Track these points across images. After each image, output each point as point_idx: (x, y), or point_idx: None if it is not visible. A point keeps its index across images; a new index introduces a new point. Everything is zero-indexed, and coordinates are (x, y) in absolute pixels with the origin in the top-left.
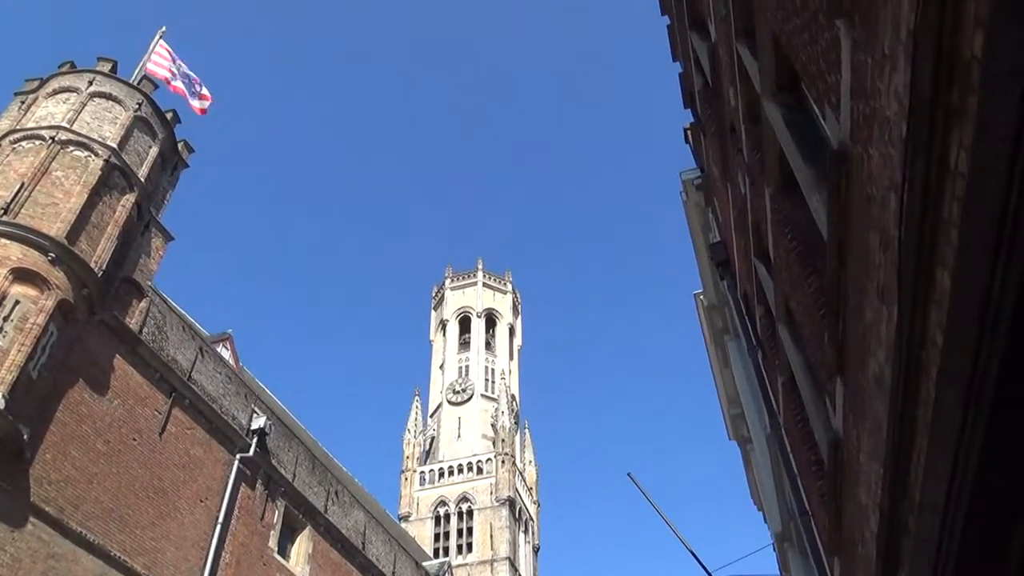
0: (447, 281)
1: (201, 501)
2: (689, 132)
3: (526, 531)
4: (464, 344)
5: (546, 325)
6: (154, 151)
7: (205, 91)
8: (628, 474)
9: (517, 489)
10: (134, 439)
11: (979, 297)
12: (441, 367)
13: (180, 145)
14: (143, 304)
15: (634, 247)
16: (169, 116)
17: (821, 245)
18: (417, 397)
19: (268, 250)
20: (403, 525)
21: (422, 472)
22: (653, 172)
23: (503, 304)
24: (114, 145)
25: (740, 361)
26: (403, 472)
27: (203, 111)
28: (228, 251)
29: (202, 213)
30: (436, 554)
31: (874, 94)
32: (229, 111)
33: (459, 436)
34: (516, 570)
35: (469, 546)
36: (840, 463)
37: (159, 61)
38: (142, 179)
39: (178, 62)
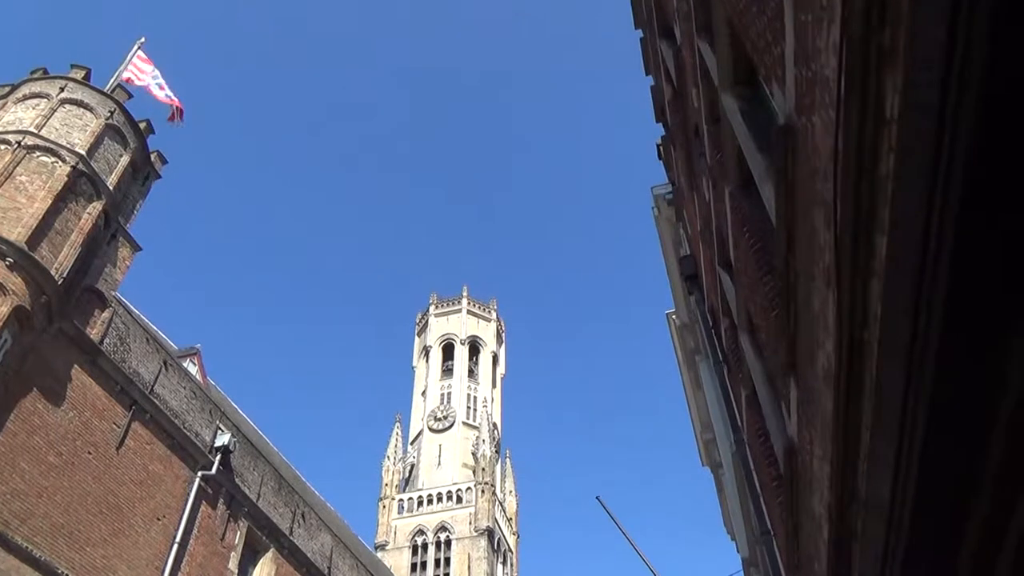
0: (431, 307)
1: (158, 519)
2: (660, 148)
3: (505, 563)
4: (447, 371)
5: (529, 354)
6: (125, 160)
7: (177, 101)
8: (597, 497)
9: (496, 519)
10: (89, 452)
11: (916, 256)
12: (423, 394)
13: (153, 156)
14: (106, 314)
15: (618, 272)
16: (143, 126)
17: (775, 242)
18: (398, 423)
19: (247, 269)
20: (379, 554)
21: (401, 500)
22: (636, 195)
23: (487, 332)
24: (82, 152)
25: (710, 380)
26: (381, 499)
27: (176, 118)
28: (205, 267)
29: (178, 226)
30: None
31: (815, 55)
32: (209, 125)
33: (439, 464)
34: None
35: None
36: (795, 472)
37: (136, 71)
38: (110, 187)
39: (156, 75)
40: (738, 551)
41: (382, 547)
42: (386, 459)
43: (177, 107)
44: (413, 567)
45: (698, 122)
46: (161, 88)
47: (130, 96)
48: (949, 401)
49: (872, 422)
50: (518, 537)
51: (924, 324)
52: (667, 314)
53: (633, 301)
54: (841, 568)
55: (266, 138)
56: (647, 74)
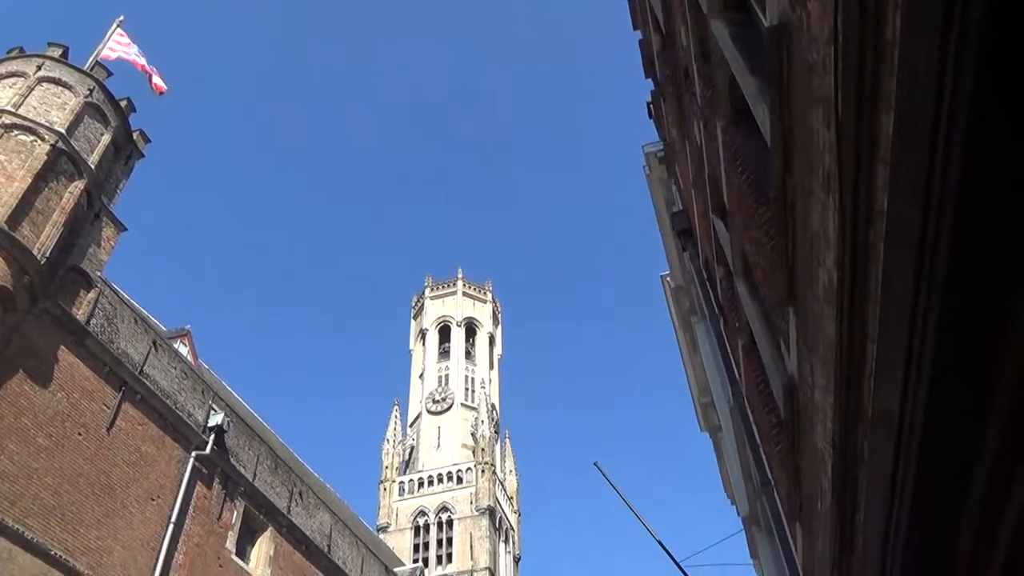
0: (427, 290)
1: (152, 499)
2: (651, 105)
3: (507, 541)
4: (444, 353)
5: (527, 332)
6: (106, 139)
7: (159, 80)
8: (595, 463)
9: (497, 498)
10: (79, 434)
11: (926, 128)
12: (421, 376)
13: (135, 134)
14: (91, 295)
15: (612, 241)
16: (123, 104)
17: (770, 171)
18: (396, 407)
19: (240, 254)
20: (382, 536)
21: (401, 482)
22: (627, 163)
23: (483, 313)
24: (62, 130)
25: (706, 338)
26: (382, 482)
27: (161, 90)
28: (194, 249)
29: (166, 207)
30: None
31: None
32: (199, 103)
33: (439, 446)
34: None
35: (449, 556)
36: (795, 410)
37: (116, 48)
38: (92, 166)
39: (135, 50)
40: (738, 513)
41: (384, 529)
42: (385, 442)
43: (156, 78)
44: (416, 548)
45: (688, 63)
46: (141, 59)
47: (109, 74)
48: (962, 297)
49: (879, 332)
50: (519, 515)
51: (936, 212)
52: (662, 276)
53: (628, 270)
54: (846, 500)
55: (257, 118)
56: (635, 28)
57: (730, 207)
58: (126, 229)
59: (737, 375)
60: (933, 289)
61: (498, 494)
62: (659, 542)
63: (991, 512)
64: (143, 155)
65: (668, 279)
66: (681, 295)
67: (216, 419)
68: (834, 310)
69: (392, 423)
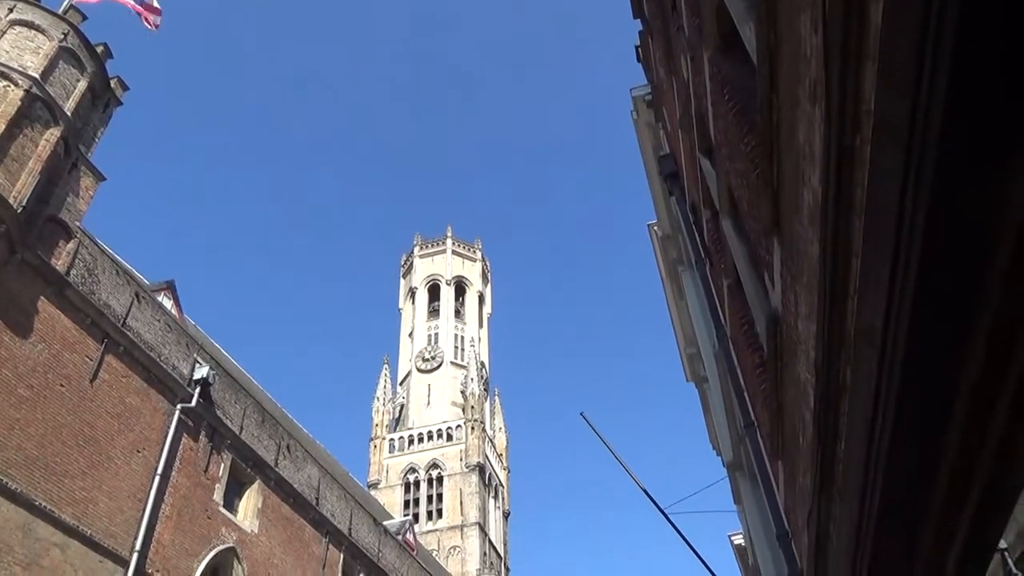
0: (416, 249)
1: (138, 451)
2: (639, 48)
3: (496, 497)
4: (433, 312)
5: (515, 290)
6: (82, 85)
7: (155, 3)
8: (581, 414)
9: (487, 455)
10: (61, 385)
11: (919, 13)
12: (410, 335)
13: (113, 82)
14: (71, 245)
15: (600, 192)
16: (100, 50)
17: (756, 100)
18: (386, 365)
19: (226, 207)
20: (372, 492)
21: (391, 439)
22: (615, 114)
23: (472, 272)
24: (36, 75)
25: (692, 287)
26: (372, 440)
27: (155, 25)
28: (178, 200)
29: (148, 157)
30: None
31: None
32: (182, 48)
33: (429, 403)
34: (486, 535)
35: (439, 512)
36: (779, 344)
37: None
38: (68, 113)
39: None
40: (723, 463)
41: (374, 486)
42: (375, 400)
43: (149, 9)
44: (406, 504)
45: None
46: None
47: (84, 18)
48: (951, 199)
49: (863, 245)
50: (508, 472)
51: (925, 101)
52: (648, 225)
53: (617, 224)
54: (828, 429)
55: (243, 67)
56: None
57: (716, 140)
58: (105, 179)
59: (722, 318)
60: (920, 190)
61: (487, 451)
62: (644, 490)
63: (974, 434)
64: (121, 103)
65: (655, 228)
66: (668, 244)
67: (201, 372)
68: (818, 230)
69: (382, 381)
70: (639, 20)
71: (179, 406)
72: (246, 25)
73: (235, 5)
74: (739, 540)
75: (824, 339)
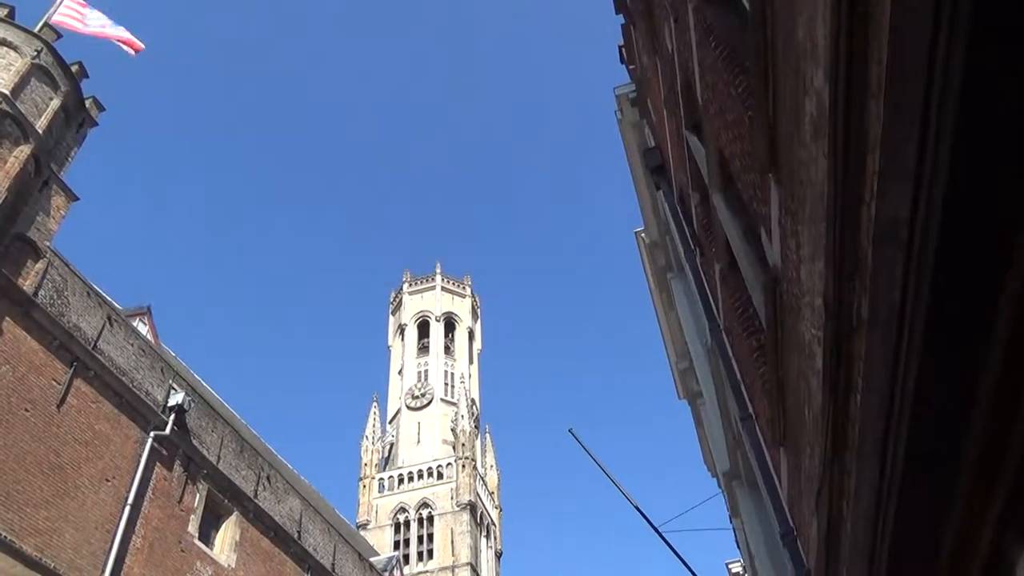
0: (405, 285)
1: (107, 480)
2: (623, 48)
3: (488, 536)
4: (423, 349)
5: (506, 325)
6: (55, 103)
7: (130, 37)
8: (569, 430)
9: (478, 494)
10: (26, 410)
11: None
12: (400, 372)
13: (88, 101)
14: (39, 265)
15: (593, 231)
16: (74, 69)
17: (745, 40)
18: (375, 403)
19: (211, 244)
20: (362, 533)
21: (381, 479)
22: (608, 155)
23: (462, 308)
24: (6, 91)
25: (682, 291)
26: (361, 479)
27: (136, 49)
28: (163, 227)
29: (134, 183)
30: None
31: None
32: (168, 78)
33: (419, 441)
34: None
35: (430, 553)
36: (778, 306)
37: (71, 14)
38: (40, 131)
39: (94, 14)
40: (719, 477)
41: (364, 526)
42: (364, 439)
43: (129, 44)
44: (396, 545)
45: None
46: (104, 29)
47: (59, 36)
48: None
49: (882, 134)
50: (500, 510)
51: None
52: (636, 233)
53: (606, 242)
54: (840, 382)
55: (228, 92)
56: None
57: (704, 102)
58: (77, 199)
59: (715, 310)
60: (955, 45)
61: (479, 489)
62: (636, 507)
63: (1017, 363)
64: (96, 123)
65: (643, 235)
66: (656, 251)
67: (176, 398)
68: (824, 140)
69: (371, 419)
70: (622, 15)
71: (152, 433)
72: (231, 48)
73: (219, 27)
74: (736, 568)
75: (836, 261)
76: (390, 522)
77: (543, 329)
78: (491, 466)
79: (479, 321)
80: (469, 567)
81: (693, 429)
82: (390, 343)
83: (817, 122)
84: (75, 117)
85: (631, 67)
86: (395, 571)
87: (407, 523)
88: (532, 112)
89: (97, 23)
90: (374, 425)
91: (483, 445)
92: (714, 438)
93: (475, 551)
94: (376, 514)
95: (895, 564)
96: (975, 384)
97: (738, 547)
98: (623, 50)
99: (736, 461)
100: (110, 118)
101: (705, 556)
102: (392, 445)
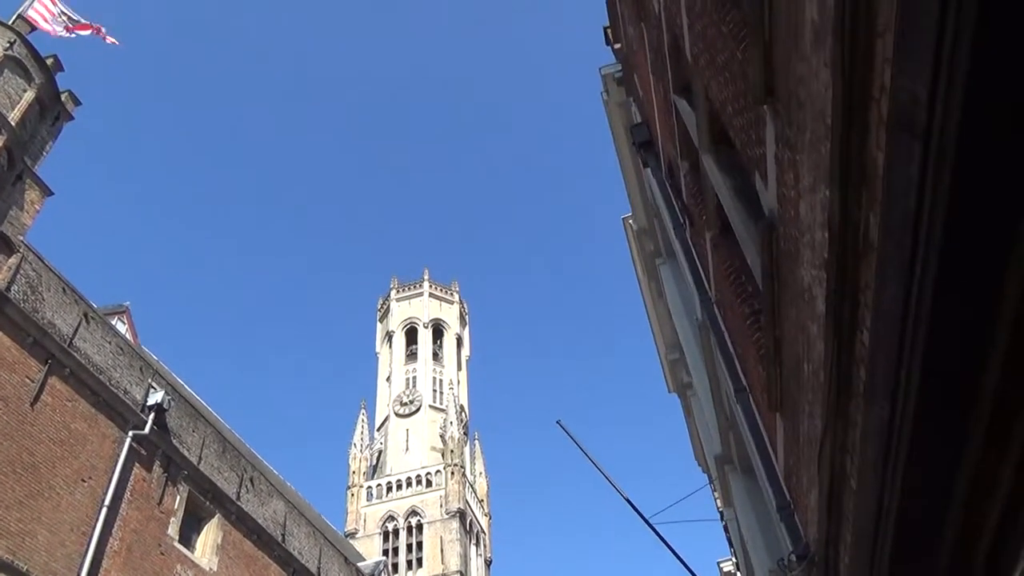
0: (392, 292)
1: (83, 481)
2: (607, 30)
3: (477, 544)
4: (411, 355)
5: (494, 331)
6: (29, 95)
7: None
8: (558, 422)
9: (468, 501)
10: None
11: None
12: (388, 379)
13: (64, 95)
14: (12, 260)
15: (582, 236)
16: (49, 62)
17: None
18: (363, 410)
19: (194, 240)
20: (351, 542)
21: (369, 487)
22: (600, 170)
23: (450, 314)
24: None
25: (672, 279)
26: (349, 488)
27: (103, 35)
28: (145, 227)
29: (114, 181)
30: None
31: None
32: (150, 73)
33: (407, 449)
34: None
35: (419, 561)
36: (775, 254)
37: (43, 11)
38: (12, 124)
39: (65, 9)
40: (710, 466)
41: (352, 535)
42: (352, 447)
43: (97, 29)
44: (385, 553)
45: None
46: (72, 28)
47: (33, 29)
48: None
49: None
50: (490, 518)
51: None
52: (623, 219)
53: (596, 256)
54: (844, 322)
55: (215, 99)
56: None
57: (694, 55)
58: (52, 193)
59: (707, 284)
60: None
61: (468, 497)
62: (627, 499)
63: None
64: (72, 117)
65: (630, 221)
66: (644, 238)
67: (156, 397)
68: (825, 51)
69: (359, 427)
70: None
71: (131, 433)
72: (214, 43)
73: (202, 21)
74: (728, 567)
75: (841, 174)
76: (379, 531)
77: (531, 331)
78: (480, 473)
79: (467, 327)
80: (459, 575)
81: (682, 426)
82: (378, 350)
83: (819, 26)
84: (50, 110)
85: (616, 46)
86: (383, 575)
87: (396, 531)
88: (517, 113)
89: (66, 24)
90: (362, 433)
91: (472, 452)
92: (705, 424)
93: (465, 559)
94: (364, 523)
95: (904, 520)
96: (999, 298)
97: (730, 544)
98: (608, 31)
99: (728, 444)
100: (87, 113)
101: (696, 555)
102: (380, 453)
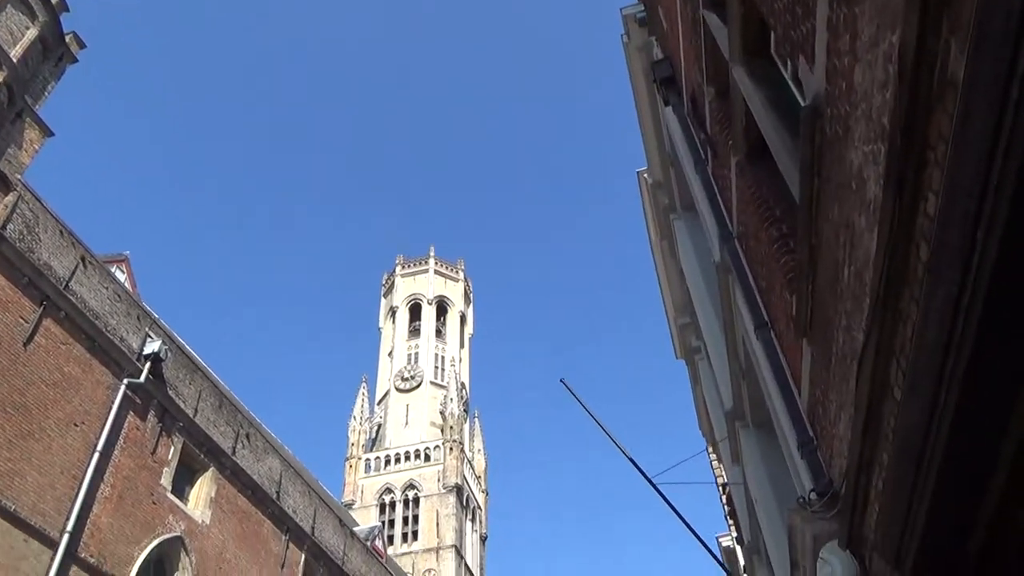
0: (398, 268)
1: (76, 425)
2: None
3: (474, 520)
4: (414, 331)
5: (499, 310)
6: (32, 33)
7: None
8: (561, 380)
9: (465, 477)
10: None
11: None
12: (390, 354)
13: (68, 37)
14: (9, 198)
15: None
16: (54, 1)
17: None
18: (364, 384)
19: (200, 198)
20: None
21: (367, 459)
22: (616, 151)
23: (455, 292)
24: None
25: (687, 235)
26: (348, 459)
27: None
28: (153, 182)
29: (124, 131)
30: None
31: None
32: (158, 20)
33: (407, 423)
34: (462, 558)
35: (415, 534)
36: (819, 145)
37: None
38: (14, 60)
39: None
40: (714, 445)
41: (349, 506)
42: (352, 419)
43: None
44: (382, 525)
45: None
46: None
47: None
48: None
49: None
50: (487, 495)
51: None
52: (638, 173)
53: (601, 230)
54: (905, 191)
55: (225, 52)
56: None
57: None
58: (53, 134)
59: (727, 218)
60: None
61: (466, 473)
62: (630, 459)
63: None
64: (76, 60)
65: (645, 175)
66: (659, 192)
67: (153, 347)
68: None
69: (360, 400)
70: None
71: (126, 381)
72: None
73: None
74: (727, 542)
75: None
76: (376, 502)
77: (536, 311)
78: (479, 450)
79: (471, 306)
80: (454, 549)
81: (684, 400)
82: (381, 325)
83: None
84: (53, 51)
85: None
86: (376, 540)
87: (392, 504)
88: (527, 90)
89: None
90: (362, 406)
91: (471, 430)
92: (713, 386)
93: (460, 534)
94: (362, 494)
95: (962, 423)
96: None
97: (728, 519)
98: None
99: (740, 398)
100: (94, 57)
101: (695, 524)
102: (380, 426)
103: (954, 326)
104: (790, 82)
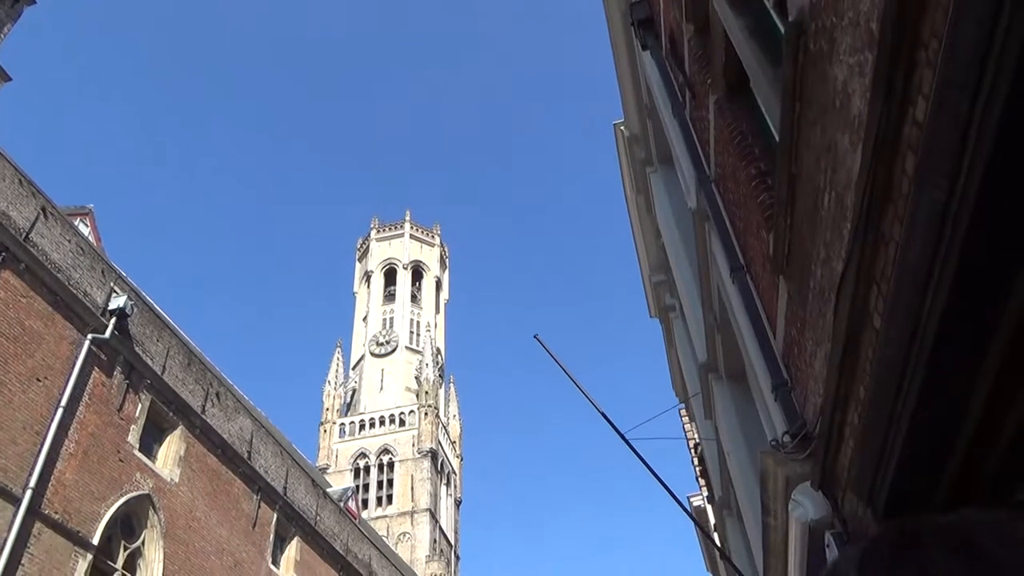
0: (373, 232)
1: (38, 380)
2: None
3: (448, 484)
4: (389, 296)
5: (476, 273)
6: None
7: None
8: (535, 336)
9: (440, 442)
10: None
11: None
12: (365, 319)
13: None
14: None
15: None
16: None
17: None
18: (339, 348)
19: (172, 157)
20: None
21: (342, 424)
22: (590, 115)
23: (430, 257)
24: None
25: (663, 185)
26: (322, 424)
27: None
28: (134, 149)
29: (90, 77)
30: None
31: None
32: None
33: (382, 388)
34: (437, 522)
35: (389, 498)
36: (802, 64)
37: None
38: None
39: None
40: (687, 401)
41: (324, 471)
42: (327, 384)
43: None
44: (356, 489)
45: None
46: None
47: None
48: None
49: None
50: (462, 460)
51: None
52: (615, 125)
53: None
54: (894, 98)
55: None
56: None
57: None
58: (10, 79)
59: (705, 161)
60: None
61: (441, 438)
62: (603, 414)
63: None
64: (34, 1)
65: (622, 128)
66: (635, 146)
67: (118, 302)
68: None
69: (334, 365)
70: None
71: (90, 336)
72: None
73: None
74: (697, 501)
75: None
76: (350, 467)
77: (512, 274)
78: (454, 416)
79: (447, 271)
80: (428, 513)
81: (658, 361)
82: (356, 289)
83: None
84: None
85: None
86: (349, 502)
87: (367, 468)
88: (501, 48)
89: None
90: (337, 371)
91: (447, 395)
92: (687, 340)
93: (435, 498)
94: (336, 459)
95: (944, 345)
96: None
97: (699, 478)
98: None
99: (714, 350)
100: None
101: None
102: (355, 391)
103: (940, 240)
104: (771, 10)
